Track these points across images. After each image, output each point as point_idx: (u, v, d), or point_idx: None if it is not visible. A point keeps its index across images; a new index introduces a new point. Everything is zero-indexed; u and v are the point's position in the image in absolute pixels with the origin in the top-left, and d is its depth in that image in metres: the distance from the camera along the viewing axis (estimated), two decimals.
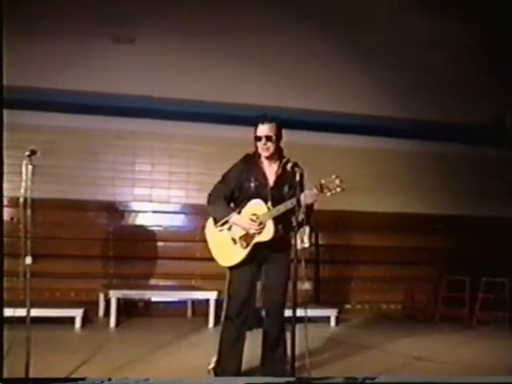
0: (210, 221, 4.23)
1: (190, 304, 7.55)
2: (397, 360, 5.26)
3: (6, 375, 3.65)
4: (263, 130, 4.17)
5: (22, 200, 4.02)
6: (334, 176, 3.90)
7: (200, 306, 7.37)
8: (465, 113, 8.52)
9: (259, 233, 4.02)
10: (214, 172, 7.98)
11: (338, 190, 3.87)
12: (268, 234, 4.02)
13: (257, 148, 4.24)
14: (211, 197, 4.28)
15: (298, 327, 4.10)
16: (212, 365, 4.29)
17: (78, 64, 7.44)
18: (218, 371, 4.22)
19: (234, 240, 4.10)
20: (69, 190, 7.50)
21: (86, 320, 6.65)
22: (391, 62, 8.27)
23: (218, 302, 6.79)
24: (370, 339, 6.41)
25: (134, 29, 7.67)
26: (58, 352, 5.15)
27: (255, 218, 4.02)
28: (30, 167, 4.01)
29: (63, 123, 7.49)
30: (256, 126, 4.21)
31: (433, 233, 8.37)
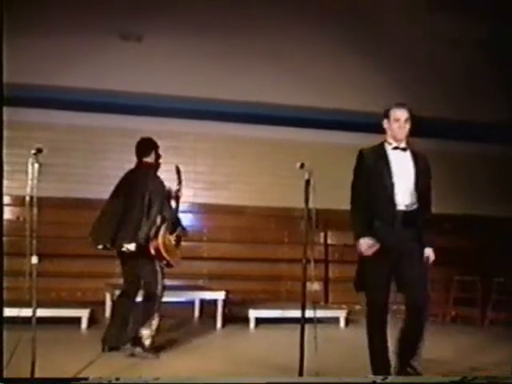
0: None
1: (197, 304, 7.48)
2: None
3: (9, 375, 3.60)
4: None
5: (27, 199, 3.96)
6: None
7: (207, 307, 7.30)
8: (477, 110, 8.42)
9: None
10: (222, 170, 8.05)
11: None
12: None
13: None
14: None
15: (308, 328, 4.05)
16: None
17: (84, 61, 7.42)
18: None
19: None
20: (75, 189, 7.46)
21: (92, 320, 6.60)
22: (399, 58, 8.18)
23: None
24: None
25: (141, 26, 7.62)
26: (64, 352, 5.11)
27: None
28: (36, 165, 3.96)
29: (70, 121, 7.46)
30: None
31: (443, 233, 8.28)
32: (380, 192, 3.90)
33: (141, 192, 5.02)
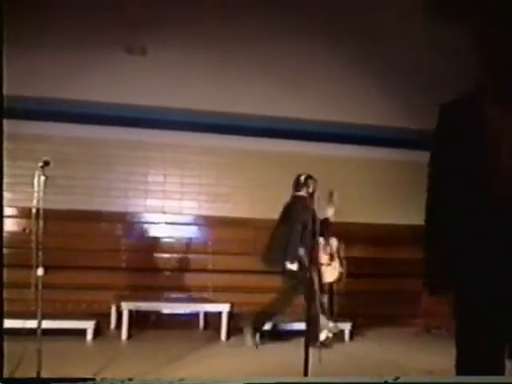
0: None
1: (202, 316, 7.49)
2: (409, 373, 5.17)
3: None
4: None
5: (34, 211, 4.00)
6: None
7: (212, 319, 7.30)
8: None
9: None
10: (226, 182, 8.08)
11: None
12: None
13: None
14: None
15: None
16: None
17: (90, 74, 7.46)
18: None
19: None
20: (81, 201, 7.49)
21: (97, 332, 6.61)
22: (397, 70, 8.19)
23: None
24: (383, 353, 6.32)
25: (146, 39, 7.68)
26: (69, 364, 5.12)
27: None
28: (42, 178, 4.01)
29: (76, 134, 7.50)
30: None
31: None
32: None
33: (297, 220, 6.25)
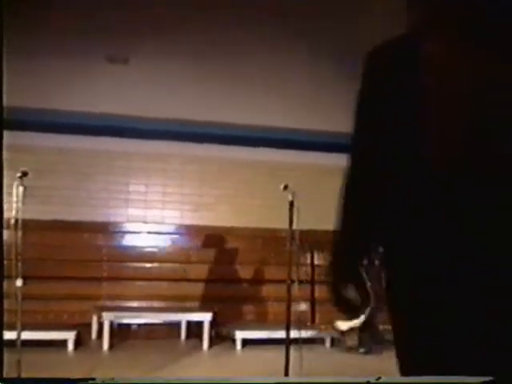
0: None
1: (184, 326, 7.47)
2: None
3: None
4: None
5: (12, 221, 3.98)
6: None
7: (194, 328, 7.29)
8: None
9: None
10: (208, 192, 8.09)
11: None
12: None
13: None
14: None
15: (293, 348, 4.06)
16: None
17: (71, 84, 7.46)
18: None
19: None
20: (61, 211, 7.46)
21: (79, 342, 6.58)
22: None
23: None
24: (363, 360, 6.35)
25: (128, 49, 7.69)
26: (50, 375, 5.08)
27: None
28: (21, 188, 4.00)
29: (56, 144, 7.47)
30: None
31: None
32: None
33: None
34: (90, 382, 1.36)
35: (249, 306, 7.89)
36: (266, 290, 7.91)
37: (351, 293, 1.76)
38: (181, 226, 8.02)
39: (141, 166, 7.88)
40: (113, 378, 1.23)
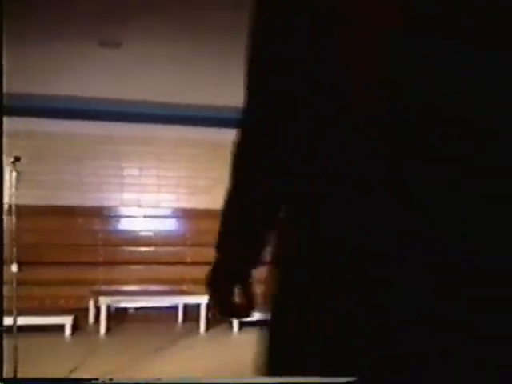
0: None
1: (180, 309, 7.50)
2: None
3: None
4: None
5: (6, 207, 3.97)
6: None
7: (191, 311, 7.32)
8: None
9: None
10: (204, 175, 8.07)
11: None
12: None
13: None
14: None
15: None
16: None
17: (62, 68, 7.40)
18: None
19: None
20: (55, 196, 7.44)
21: (76, 327, 6.60)
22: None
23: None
24: None
25: (120, 32, 7.62)
26: (48, 360, 5.10)
27: None
28: (14, 174, 3.98)
29: (48, 128, 7.44)
30: None
31: None
32: None
33: None
34: (91, 381, 1.36)
35: None
36: (263, 271, 7.91)
37: None
38: (177, 210, 8.01)
39: (134, 149, 7.85)
40: (112, 379, 1.23)
